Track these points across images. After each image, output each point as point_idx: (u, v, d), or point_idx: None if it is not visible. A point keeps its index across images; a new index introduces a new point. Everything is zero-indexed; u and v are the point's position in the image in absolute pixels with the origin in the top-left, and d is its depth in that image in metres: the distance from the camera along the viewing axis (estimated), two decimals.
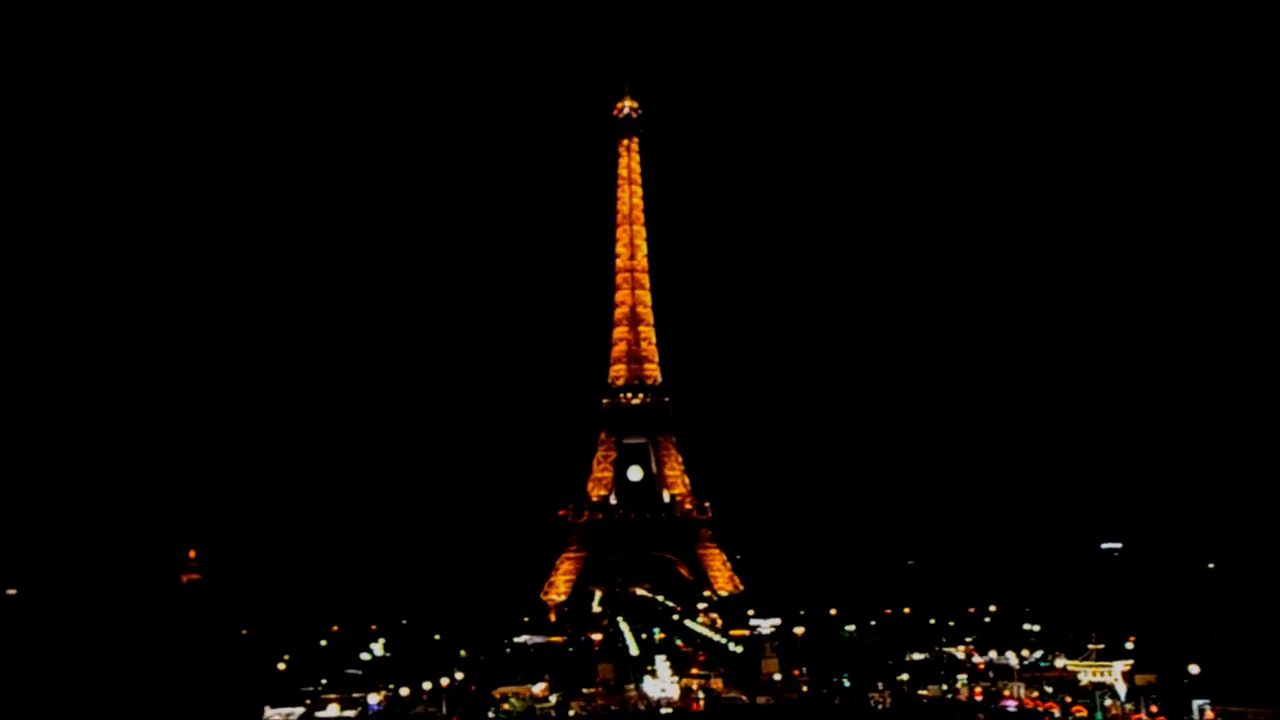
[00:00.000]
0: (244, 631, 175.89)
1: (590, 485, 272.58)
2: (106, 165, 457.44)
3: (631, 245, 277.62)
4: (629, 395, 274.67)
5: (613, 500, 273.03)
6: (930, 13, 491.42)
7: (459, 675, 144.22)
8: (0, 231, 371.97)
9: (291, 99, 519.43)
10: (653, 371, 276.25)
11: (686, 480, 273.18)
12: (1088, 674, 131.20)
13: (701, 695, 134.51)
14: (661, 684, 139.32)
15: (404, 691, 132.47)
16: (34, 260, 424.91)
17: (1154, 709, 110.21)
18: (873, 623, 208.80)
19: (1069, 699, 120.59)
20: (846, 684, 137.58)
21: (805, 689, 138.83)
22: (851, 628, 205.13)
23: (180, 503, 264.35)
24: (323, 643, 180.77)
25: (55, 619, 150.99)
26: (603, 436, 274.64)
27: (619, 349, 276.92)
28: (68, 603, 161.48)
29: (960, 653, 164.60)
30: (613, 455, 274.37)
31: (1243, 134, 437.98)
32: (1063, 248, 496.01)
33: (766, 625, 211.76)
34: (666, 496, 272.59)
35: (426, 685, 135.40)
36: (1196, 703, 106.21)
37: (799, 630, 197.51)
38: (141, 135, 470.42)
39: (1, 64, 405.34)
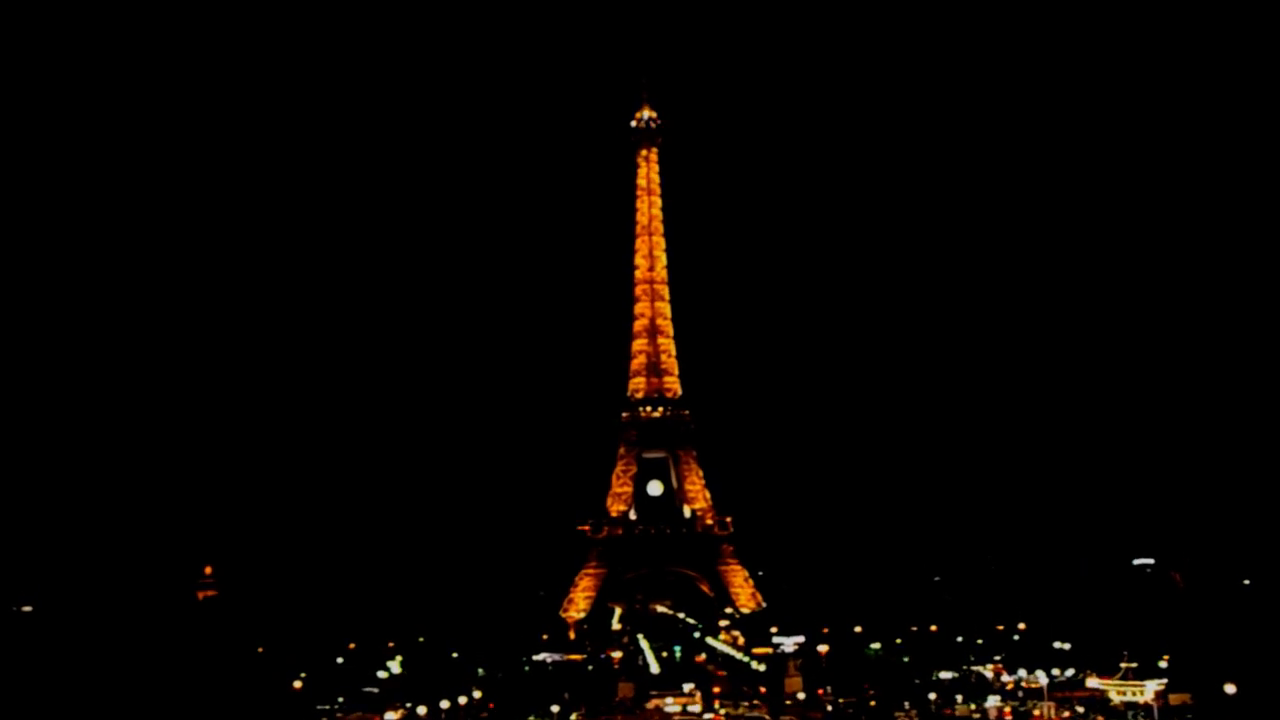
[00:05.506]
0: (260, 649, 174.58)
1: (609, 500, 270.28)
2: (118, 171, 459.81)
3: (651, 256, 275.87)
4: (649, 409, 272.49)
5: (632, 516, 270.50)
6: (952, 23, 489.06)
7: (477, 694, 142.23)
8: (11, 241, 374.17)
9: (308, 107, 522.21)
10: (673, 384, 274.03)
11: (707, 495, 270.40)
12: (1120, 693, 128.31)
13: (724, 713, 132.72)
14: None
15: (421, 710, 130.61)
16: (45, 271, 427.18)
17: None
18: (899, 640, 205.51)
19: (1100, 719, 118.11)
20: (872, 703, 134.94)
21: (830, 708, 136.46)
22: (877, 646, 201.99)
23: (196, 519, 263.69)
24: (339, 660, 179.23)
25: (70, 635, 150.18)
26: (622, 451, 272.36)
27: (638, 361, 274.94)
28: (83, 619, 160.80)
29: (989, 671, 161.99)
30: (632, 470, 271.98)
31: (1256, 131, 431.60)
32: (1098, 262, 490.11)
33: (790, 643, 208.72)
34: (687, 512, 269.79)
35: (444, 704, 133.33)
36: None
37: (823, 648, 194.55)
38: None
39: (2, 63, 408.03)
